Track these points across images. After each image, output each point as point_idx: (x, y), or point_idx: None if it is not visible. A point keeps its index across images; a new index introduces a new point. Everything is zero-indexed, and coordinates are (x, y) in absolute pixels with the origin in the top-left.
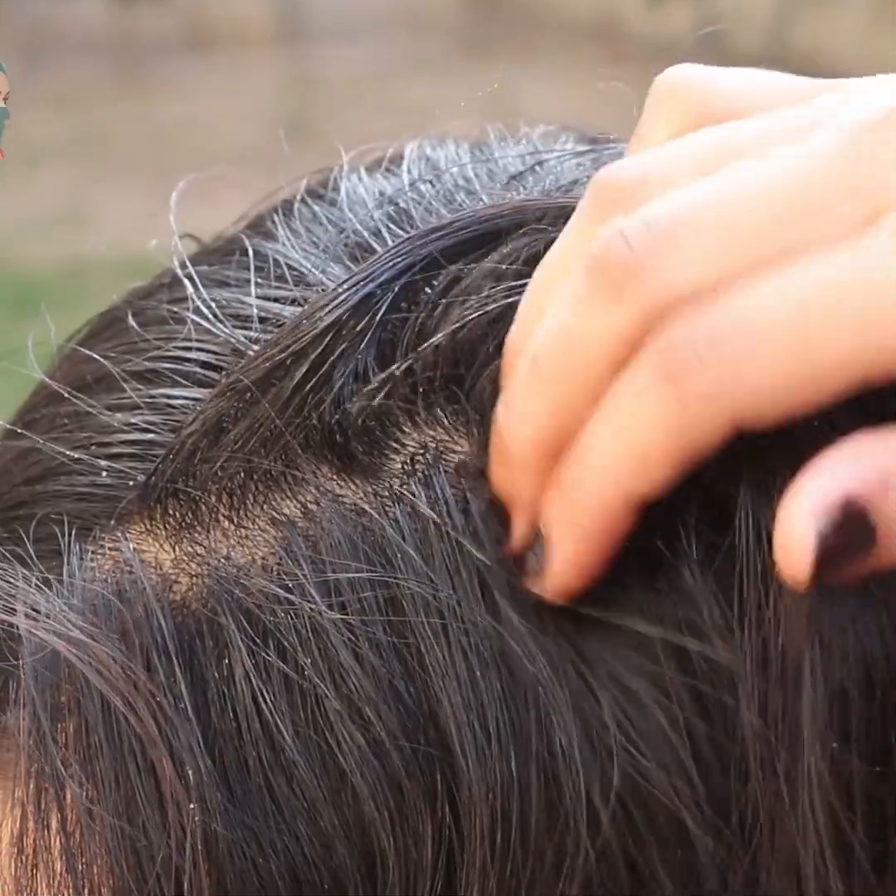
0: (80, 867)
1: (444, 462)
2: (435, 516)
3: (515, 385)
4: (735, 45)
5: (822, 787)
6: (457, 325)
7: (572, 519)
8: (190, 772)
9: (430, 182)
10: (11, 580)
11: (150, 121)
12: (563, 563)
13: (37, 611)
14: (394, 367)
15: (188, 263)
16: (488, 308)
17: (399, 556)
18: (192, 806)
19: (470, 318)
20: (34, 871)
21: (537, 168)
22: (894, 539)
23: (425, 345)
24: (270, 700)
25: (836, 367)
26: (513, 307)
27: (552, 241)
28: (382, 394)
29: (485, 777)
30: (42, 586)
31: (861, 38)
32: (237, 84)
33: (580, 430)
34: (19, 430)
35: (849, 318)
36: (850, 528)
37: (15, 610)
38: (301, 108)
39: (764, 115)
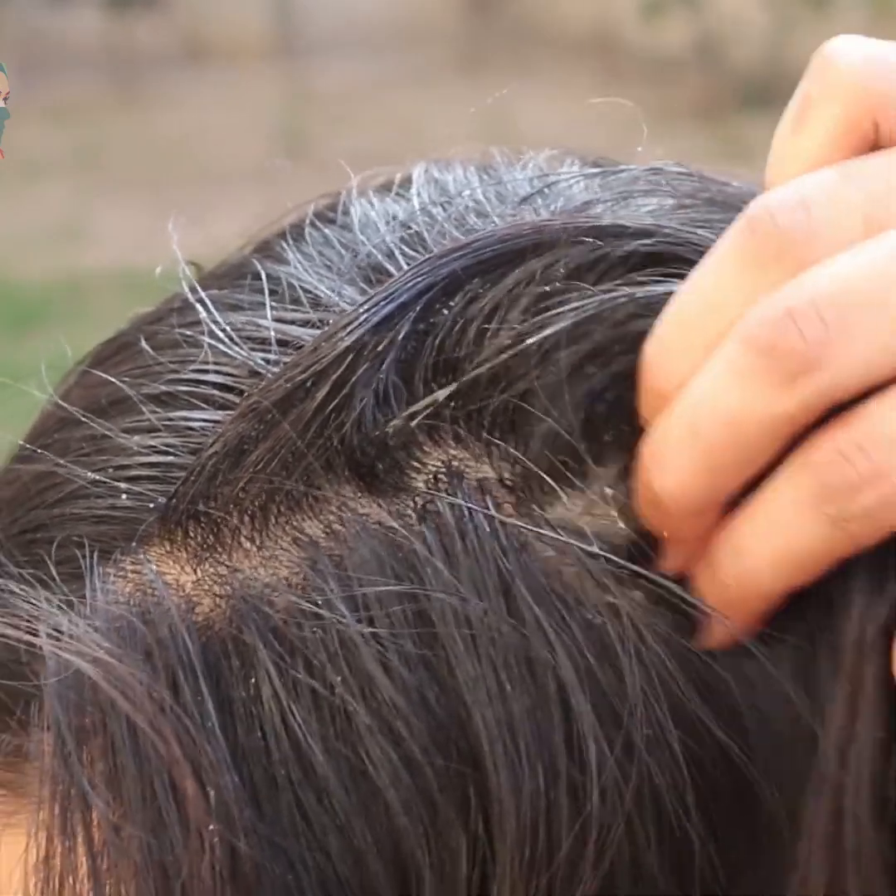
0: (107, 889)
1: (466, 479)
2: (461, 531)
3: (671, 444)
4: (732, 57)
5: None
6: (483, 355)
7: (726, 599)
8: (212, 792)
9: (441, 205)
10: (34, 602)
11: (147, 134)
12: (717, 631)
13: (60, 632)
14: (435, 394)
15: (198, 288)
16: (512, 336)
17: (428, 570)
18: (211, 827)
19: (495, 345)
20: (60, 894)
21: (546, 190)
22: None
23: (466, 378)
24: (300, 717)
25: None
26: (529, 336)
27: (573, 262)
28: (417, 419)
29: (515, 791)
30: (65, 608)
31: None
32: (234, 97)
33: (737, 517)
34: (35, 452)
35: None
36: None
37: (38, 631)
38: (298, 121)
39: None
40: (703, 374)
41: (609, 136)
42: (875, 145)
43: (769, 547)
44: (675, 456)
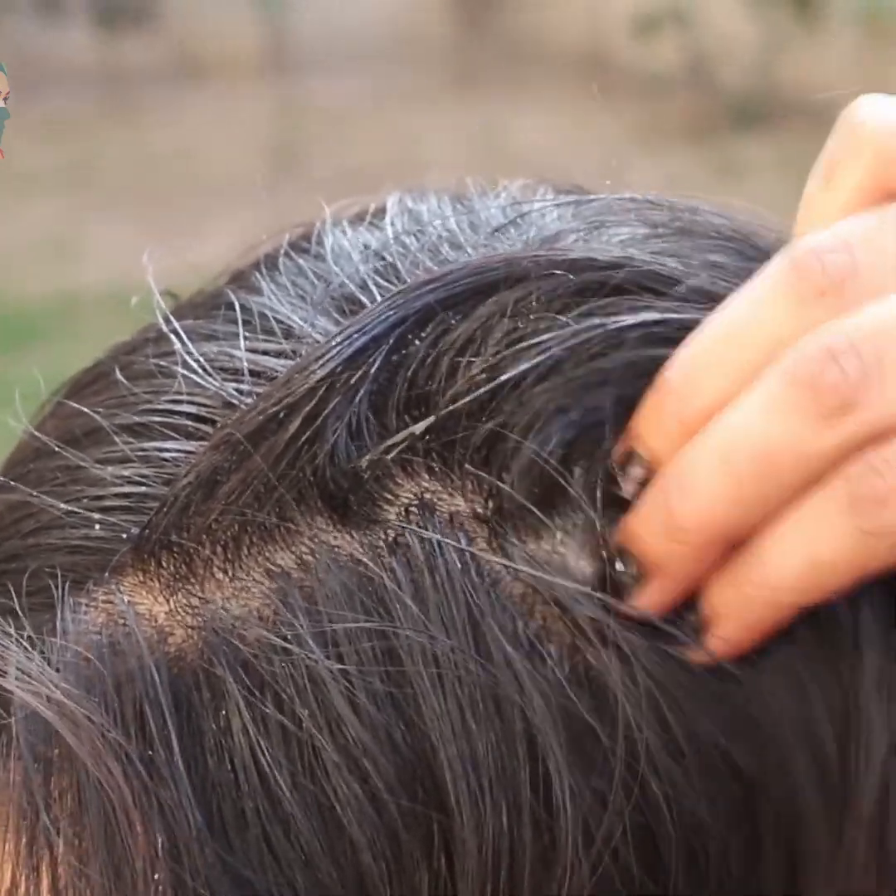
0: None
1: (438, 512)
2: (431, 565)
3: (700, 472)
4: (723, 75)
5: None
6: (456, 388)
7: (743, 613)
8: (162, 835)
9: (415, 235)
10: (2, 642)
11: (139, 150)
12: (725, 644)
13: (22, 670)
14: (410, 428)
15: (172, 318)
16: (486, 370)
17: (397, 606)
18: (157, 876)
19: (468, 380)
20: None
21: (519, 220)
22: None
23: (441, 413)
24: (268, 752)
25: None
26: (503, 371)
27: (545, 295)
28: (394, 452)
29: (478, 830)
30: (27, 645)
31: (847, 68)
32: (226, 113)
33: (762, 532)
34: (11, 483)
35: None
36: None
37: (6, 670)
38: (290, 137)
39: None
40: (740, 406)
41: (599, 153)
42: None
43: (796, 557)
44: (704, 484)
